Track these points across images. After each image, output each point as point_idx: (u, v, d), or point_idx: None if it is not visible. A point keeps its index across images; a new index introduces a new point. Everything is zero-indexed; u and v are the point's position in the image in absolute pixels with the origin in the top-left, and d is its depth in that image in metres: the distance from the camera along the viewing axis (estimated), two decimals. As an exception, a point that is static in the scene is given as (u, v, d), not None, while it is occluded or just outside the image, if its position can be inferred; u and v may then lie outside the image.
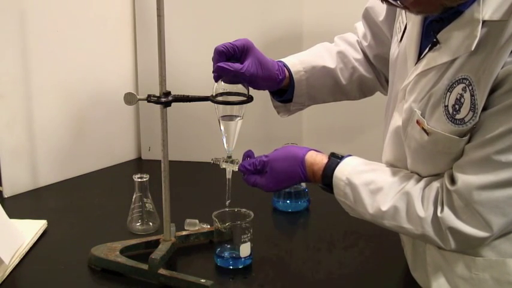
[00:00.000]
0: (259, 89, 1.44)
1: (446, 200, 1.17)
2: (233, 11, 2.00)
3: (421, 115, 1.19)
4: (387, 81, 1.46)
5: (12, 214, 1.58)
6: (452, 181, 1.17)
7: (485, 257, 1.20)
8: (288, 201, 1.76)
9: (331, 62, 1.51)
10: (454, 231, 1.16)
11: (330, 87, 1.52)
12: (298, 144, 1.78)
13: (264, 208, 1.75)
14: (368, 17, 1.49)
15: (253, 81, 1.39)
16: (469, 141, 1.15)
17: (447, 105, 1.15)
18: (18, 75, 1.81)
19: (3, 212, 1.54)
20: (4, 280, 1.42)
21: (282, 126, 1.83)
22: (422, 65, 1.20)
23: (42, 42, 1.84)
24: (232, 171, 1.41)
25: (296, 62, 1.49)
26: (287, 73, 1.47)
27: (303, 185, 1.76)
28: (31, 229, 1.60)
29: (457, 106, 1.14)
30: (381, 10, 1.45)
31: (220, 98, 1.37)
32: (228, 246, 1.47)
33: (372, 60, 1.52)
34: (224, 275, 1.46)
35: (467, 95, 1.12)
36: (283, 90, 1.49)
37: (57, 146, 1.94)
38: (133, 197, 1.63)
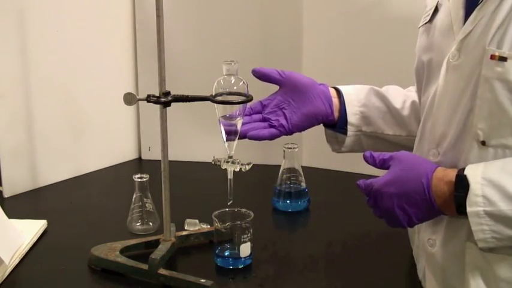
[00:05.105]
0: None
1: None
2: (233, 11, 2.00)
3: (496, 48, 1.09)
4: None
5: (12, 214, 1.58)
6: None
7: None
8: (288, 201, 1.75)
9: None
10: None
11: (384, 112, 1.46)
12: (299, 145, 1.78)
13: (264, 208, 1.75)
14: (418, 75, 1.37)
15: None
16: None
17: None
18: (17, 75, 1.81)
19: (3, 212, 1.53)
20: (4, 280, 1.42)
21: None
22: (474, 15, 1.12)
23: (42, 42, 1.84)
24: (234, 171, 1.41)
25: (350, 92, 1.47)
26: (336, 102, 1.45)
27: (303, 185, 1.76)
28: (31, 229, 1.60)
29: None
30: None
31: (220, 98, 1.37)
32: (228, 246, 1.47)
33: None
34: (224, 275, 1.46)
35: None
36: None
37: (57, 146, 1.94)
38: (133, 197, 1.63)
